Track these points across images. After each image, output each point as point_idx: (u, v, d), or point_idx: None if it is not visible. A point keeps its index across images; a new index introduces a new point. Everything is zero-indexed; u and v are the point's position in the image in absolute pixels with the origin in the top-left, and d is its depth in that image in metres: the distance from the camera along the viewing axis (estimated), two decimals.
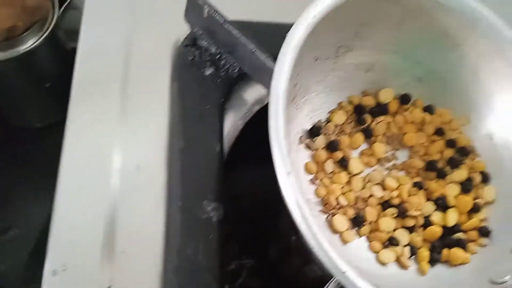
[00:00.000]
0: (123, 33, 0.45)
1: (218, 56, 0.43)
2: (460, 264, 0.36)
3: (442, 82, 0.41)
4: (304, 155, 0.37)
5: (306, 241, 0.25)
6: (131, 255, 0.36)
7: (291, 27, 0.31)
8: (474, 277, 0.34)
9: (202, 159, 0.39)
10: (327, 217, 0.36)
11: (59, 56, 0.59)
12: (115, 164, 0.39)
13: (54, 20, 0.54)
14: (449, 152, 0.40)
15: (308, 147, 0.37)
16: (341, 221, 0.35)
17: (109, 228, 0.37)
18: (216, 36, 0.42)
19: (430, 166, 0.40)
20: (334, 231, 0.35)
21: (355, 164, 0.37)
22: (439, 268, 0.35)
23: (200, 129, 0.40)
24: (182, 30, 0.44)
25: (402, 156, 0.40)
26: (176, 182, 0.38)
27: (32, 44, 0.53)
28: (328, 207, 0.36)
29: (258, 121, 0.39)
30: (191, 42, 0.43)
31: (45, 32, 0.54)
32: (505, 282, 0.33)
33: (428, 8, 0.36)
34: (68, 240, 0.36)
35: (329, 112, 0.39)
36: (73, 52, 0.43)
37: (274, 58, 0.30)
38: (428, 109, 0.41)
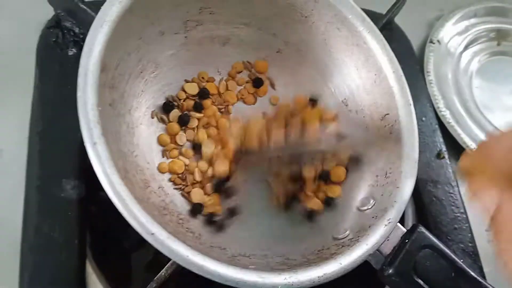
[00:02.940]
0: None
1: (82, 36, 0.43)
2: None
3: (298, 53, 0.42)
4: (158, 128, 0.38)
5: (115, 206, 0.26)
6: None
7: None
8: (319, 236, 0.36)
9: (63, 139, 0.39)
10: (182, 190, 0.37)
11: None
12: None
13: None
14: None
15: (162, 120, 0.38)
16: (199, 194, 0.37)
17: None
18: (76, 16, 0.42)
19: None
20: (191, 202, 0.37)
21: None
22: (286, 228, 0.37)
23: (61, 109, 0.40)
24: (47, 12, 0.44)
25: None
26: (35, 162, 0.38)
27: None
28: (184, 182, 0.37)
29: None
30: (55, 24, 0.43)
31: None
32: (345, 237, 0.35)
33: None
34: None
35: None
36: None
37: None
38: None
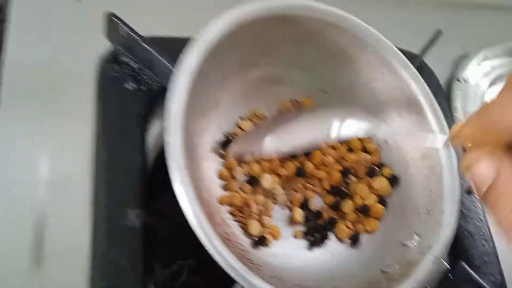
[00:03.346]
0: (49, 49, 0.47)
1: (139, 71, 0.45)
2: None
3: (343, 93, 0.45)
4: (217, 163, 0.41)
5: (201, 242, 0.29)
6: (59, 263, 0.39)
7: None
8: (367, 268, 0.39)
9: (125, 170, 0.41)
10: (239, 222, 0.40)
11: None
12: (42, 176, 0.41)
13: None
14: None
15: (221, 156, 0.41)
16: (256, 226, 0.39)
17: (37, 238, 0.39)
18: (134, 52, 0.45)
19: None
20: (250, 234, 0.39)
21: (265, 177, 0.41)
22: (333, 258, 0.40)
23: (122, 141, 0.42)
24: (105, 46, 0.46)
25: None
26: (101, 192, 0.40)
27: None
28: (241, 213, 0.40)
29: None
30: (112, 58, 0.46)
31: None
32: (394, 271, 0.38)
33: (322, 29, 0.41)
34: None
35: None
36: None
37: None
38: None
